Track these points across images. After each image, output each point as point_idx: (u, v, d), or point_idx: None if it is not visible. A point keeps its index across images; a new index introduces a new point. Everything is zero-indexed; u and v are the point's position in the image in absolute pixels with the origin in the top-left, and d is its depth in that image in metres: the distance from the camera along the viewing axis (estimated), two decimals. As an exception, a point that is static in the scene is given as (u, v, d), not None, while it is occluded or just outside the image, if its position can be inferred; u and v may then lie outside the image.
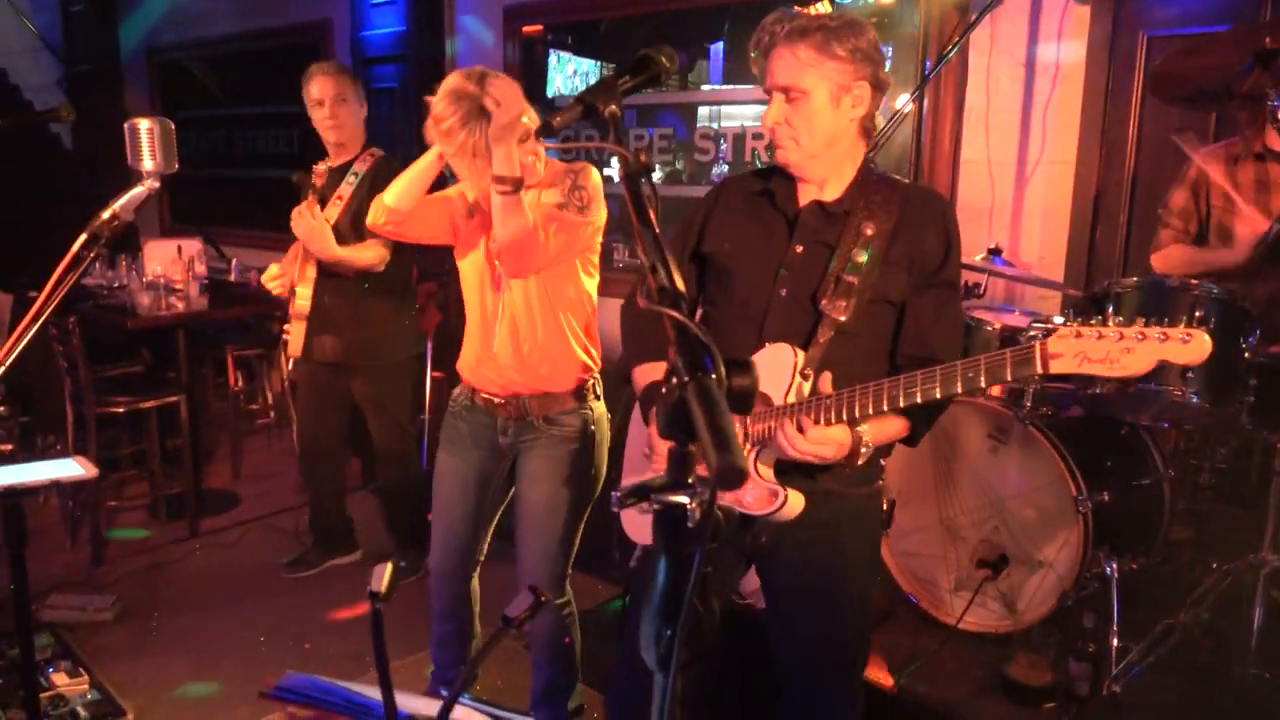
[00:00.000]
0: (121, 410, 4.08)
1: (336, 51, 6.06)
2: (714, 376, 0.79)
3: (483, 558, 2.52)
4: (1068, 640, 2.45)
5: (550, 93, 5.44)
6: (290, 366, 3.59)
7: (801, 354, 1.64)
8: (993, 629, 2.67)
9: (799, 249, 1.71)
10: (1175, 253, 2.98)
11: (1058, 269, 3.74)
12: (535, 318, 2.24)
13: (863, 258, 1.65)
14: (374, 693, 0.87)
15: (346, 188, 3.28)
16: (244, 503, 4.51)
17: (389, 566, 0.84)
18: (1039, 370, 1.42)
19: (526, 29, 5.37)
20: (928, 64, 3.75)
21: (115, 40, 7.39)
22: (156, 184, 1.88)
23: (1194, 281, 2.52)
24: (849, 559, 1.78)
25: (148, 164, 1.87)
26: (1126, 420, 2.75)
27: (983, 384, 1.47)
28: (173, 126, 1.91)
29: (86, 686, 2.81)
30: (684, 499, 0.81)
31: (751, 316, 1.73)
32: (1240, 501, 2.82)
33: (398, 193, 2.26)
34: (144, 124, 1.85)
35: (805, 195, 1.75)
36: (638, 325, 1.94)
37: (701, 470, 0.81)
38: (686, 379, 0.79)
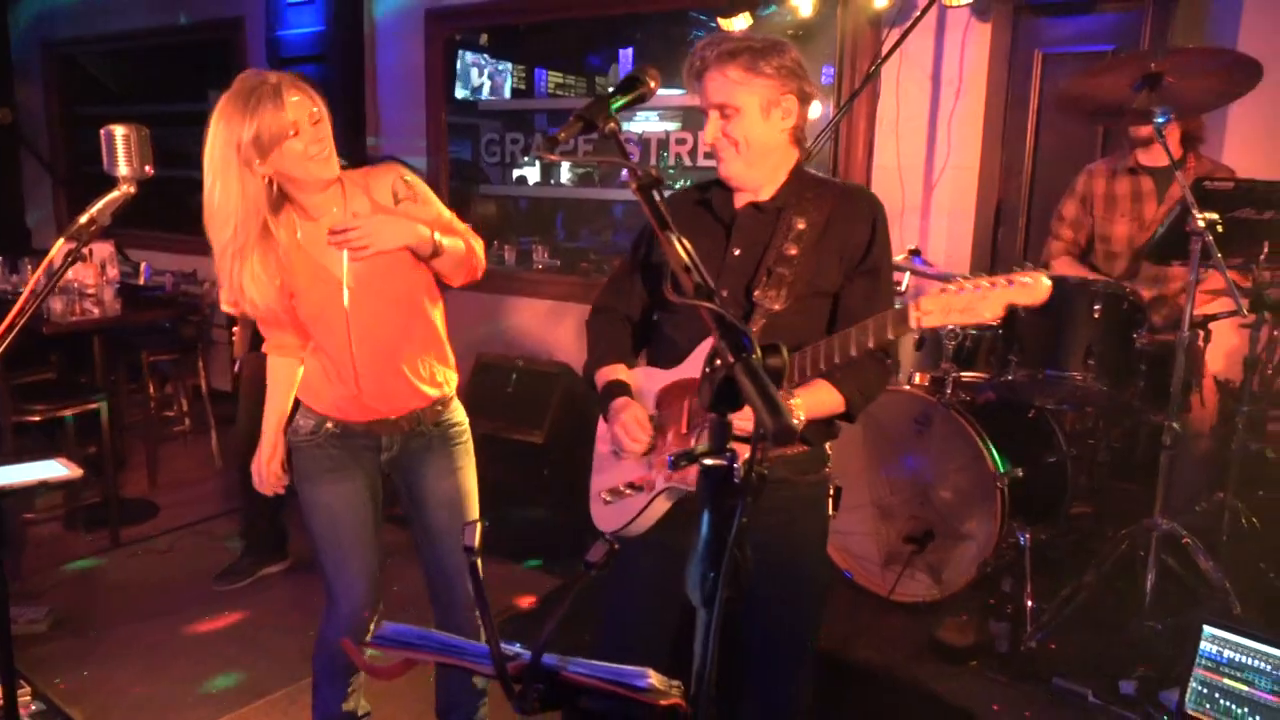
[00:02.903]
0: (39, 418, 3.97)
1: (250, 51, 5.97)
2: (755, 356, 0.93)
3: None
4: (989, 604, 2.69)
5: (464, 94, 5.50)
6: (236, 367, 3.54)
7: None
8: (922, 598, 2.90)
9: (736, 251, 1.84)
10: (1064, 266, 3.29)
11: (964, 266, 4.02)
12: (401, 334, 2.16)
13: (793, 250, 1.78)
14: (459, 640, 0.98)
15: None
16: (164, 511, 4.42)
17: (478, 526, 0.95)
18: (914, 325, 1.60)
19: (448, 31, 5.41)
20: (831, 71, 4.01)
21: (4, 32, 7.07)
22: (133, 189, 1.89)
23: (1092, 277, 2.81)
24: (802, 543, 1.91)
25: (123, 169, 1.88)
26: (1035, 404, 3.03)
27: (871, 343, 1.63)
28: (147, 132, 1.92)
29: (30, 698, 2.76)
30: (728, 460, 0.95)
31: (698, 317, 1.82)
32: (1133, 476, 3.12)
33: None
34: (119, 130, 1.87)
35: (740, 201, 1.88)
36: (601, 333, 2.04)
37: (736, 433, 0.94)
38: (732, 359, 0.93)
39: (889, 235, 1.88)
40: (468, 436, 2.33)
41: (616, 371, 1.95)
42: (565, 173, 5.90)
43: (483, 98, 5.61)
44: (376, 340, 2.12)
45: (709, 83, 1.80)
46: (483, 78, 5.61)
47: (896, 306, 1.70)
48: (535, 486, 4.14)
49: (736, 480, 0.95)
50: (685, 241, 1.12)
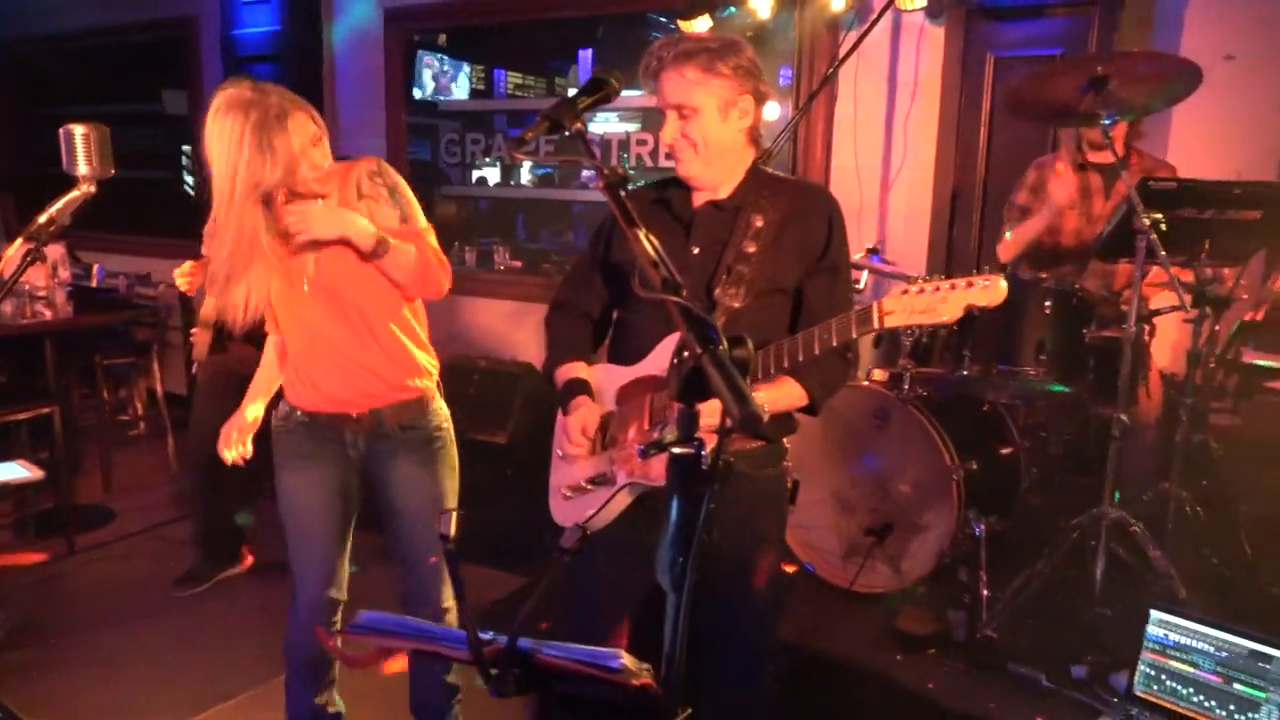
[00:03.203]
0: (-10, 423, 3.89)
1: (205, 50, 5.89)
2: (721, 348, 0.97)
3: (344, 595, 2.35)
4: (946, 593, 2.76)
5: (421, 94, 5.49)
6: (195, 369, 3.50)
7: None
8: (881, 589, 2.96)
9: (696, 250, 1.87)
10: (1011, 235, 3.36)
11: (920, 265, 4.11)
12: (366, 323, 2.17)
13: (752, 248, 1.82)
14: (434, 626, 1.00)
15: None
16: (120, 517, 4.35)
17: (454, 515, 0.97)
18: (877, 325, 1.65)
19: (407, 31, 5.39)
20: (789, 73, 4.07)
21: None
22: (93, 188, 1.89)
23: (1044, 275, 2.89)
24: (761, 535, 1.95)
25: (82, 168, 1.88)
26: (989, 399, 3.11)
27: (835, 341, 1.67)
28: (108, 131, 1.92)
29: (-13, 707, 2.71)
30: (695, 449, 0.98)
31: (660, 315, 1.83)
32: (1083, 468, 3.22)
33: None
34: (78, 130, 1.86)
35: (699, 199, 1.91)
36: (561, 330, 2.06)
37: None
38: (700, 351, 0.96)
39: (845, 232, 1.92)
40: (443, 444, 2.30)
41: (577, 369, 1.96)
42: (526, 174, 5.91)
43: (442, 98, 5.60)
44: (333, 334, 2.14)
45: (666, 83, 1.82)
46: (436, 78, 5.60)
47: (855, 304, 1.75)
48: (499, 487, 4.15)
49: (704, 468, 0.98)
50: (653, 238, 1.15)
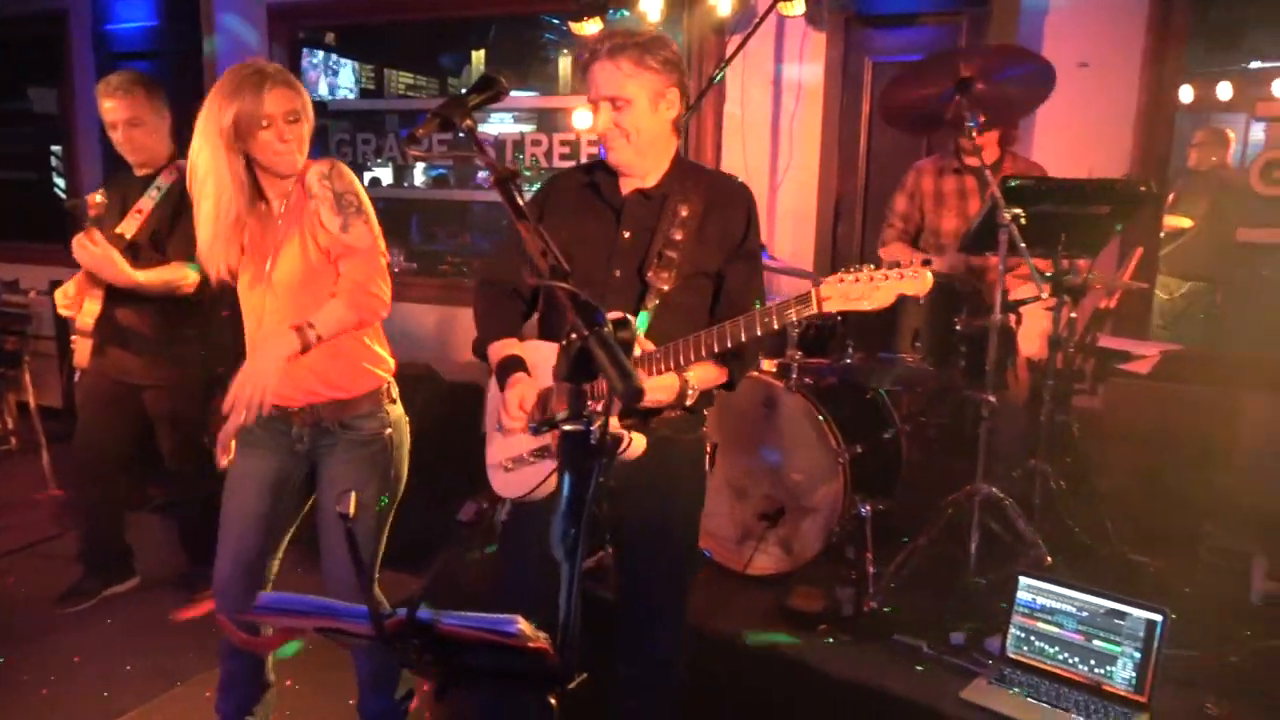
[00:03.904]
0: None
1: (76, 46, 5.64)
2: (607, 329, 1.03)
3: (273, 577, 2.38)
4: (835, 571, 2.89)
5: (316, 94, 5.40)
6: (77, 377, 3.36)
7: (632, 319, 1.91)
8: (775, 570, 3.08)
9: (626, 235, 1.99)
10: (897, 249, 3.57)
11: (807, 262, 4.28)
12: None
13: (679, 235, 1.95)
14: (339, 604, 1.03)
15: (148, 201, 3.10)
16: (-5, 535, 4.14)
17: (353, 495, 1.00)
18: (816, 309, 1.77)
19: (293, 28, 5.28)
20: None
21: None
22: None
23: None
24: (683, 494, 2.09)
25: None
26: (871, 386, 3.28)
27: (775, 325, 1.79)
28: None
29: None
30: (584, 425, 1.04)
31: (594, 295, 1.93)
32: (959, 449, 3.41)
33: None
34: None
35: (627, 186, 2.02)
36: (490, 307, 2.12)
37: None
38: (586, 333, 1.02)
39: (758, 219, 2.08)
40: (381, 449, 2.29)
41: (511, 346, 2.04)
42: (419, 174, 5.86)
43: (331, 97, 5.51)
44: (280, 328, 2.14)
45: (600, 74, 1.91)
46: (324, 77, 5.51)
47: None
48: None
49: (593, 443, 1.04)
50: (540, 228, 1.21)
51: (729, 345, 1.81)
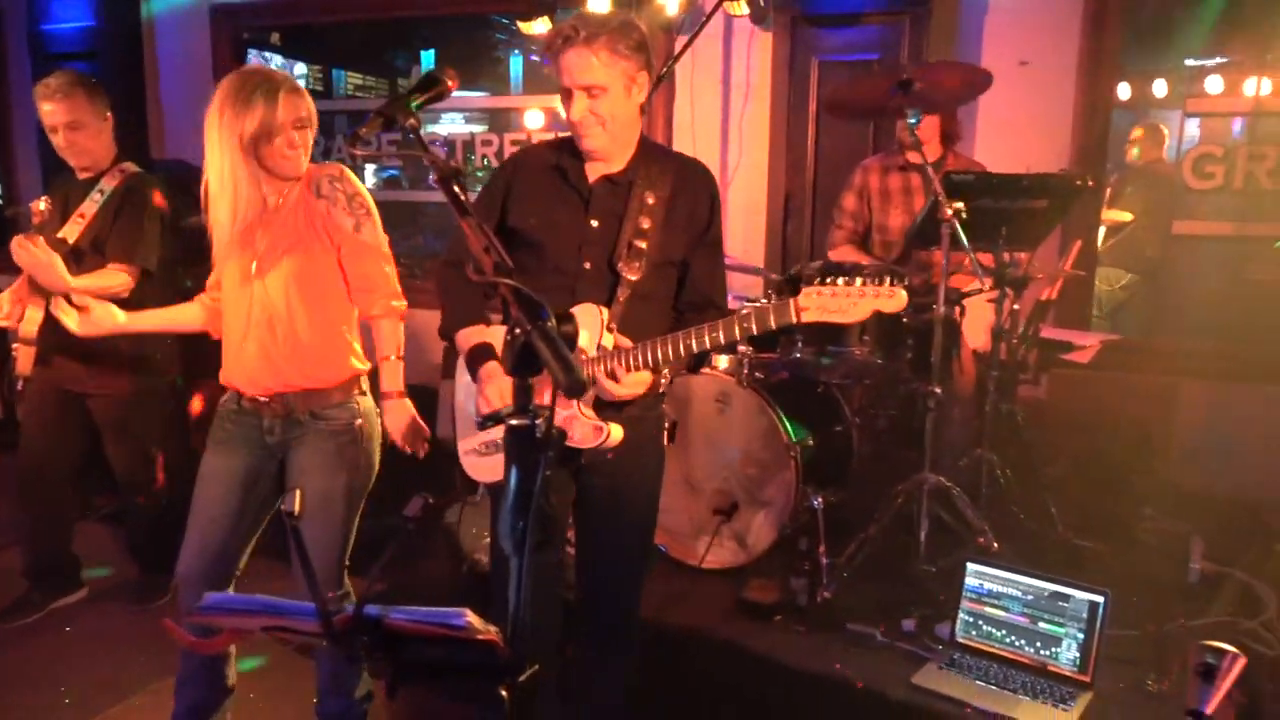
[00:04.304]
0: None
1: (11, 46, 5.51)
2: (550, 324, 1.05)
3: (239, 572, 2.41)
4: (789, 562, 2.93)
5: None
6: (20, 386, 3.28)
7: (606, 311, 1.95)
8: (729, 564, 3.11)
9: (595, 223, 2.00)
10: (847, 252, 3.63)
11: (758, 257, 4.33)
12: (296, 315, 2.26)
13: (647, 224, 1.97)
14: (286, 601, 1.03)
15: (91, 205, 3.04)
16: (-63, 548, 4.02)
17: (297, 493, 1.00)
18: (794, 319, 1.82)
19: (237, 28, 5.21)
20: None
21: None
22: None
23: (864, 263, 3.12)
24: (647, 465, 2.15)
25: None
26: (821, 380, 3.32)
27: (755, 330, 1.85)
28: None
29: None
30: (530, 419, 1.06)
31: (565, 285, 2.01)
32: (908, 441, 3.48)
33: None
34: None
35: (593, 172, 2.03)
36: (457, 291, 2.13)
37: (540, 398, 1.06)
38: (530, 327, 1.04)
39: (720, 205, 2.13)
40: (352, 441, 2.34)
41: (481, 334, 2.06)
42: (370, 175, 5.81)
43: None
44: (263, 317, 2.25)
45: (575, 64, 1.91)
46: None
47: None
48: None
49: (539, 437, 1.06)
50: (485, 225, 1.22)
51: (708, 344, 1.86)
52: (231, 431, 2.34)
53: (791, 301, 1.82)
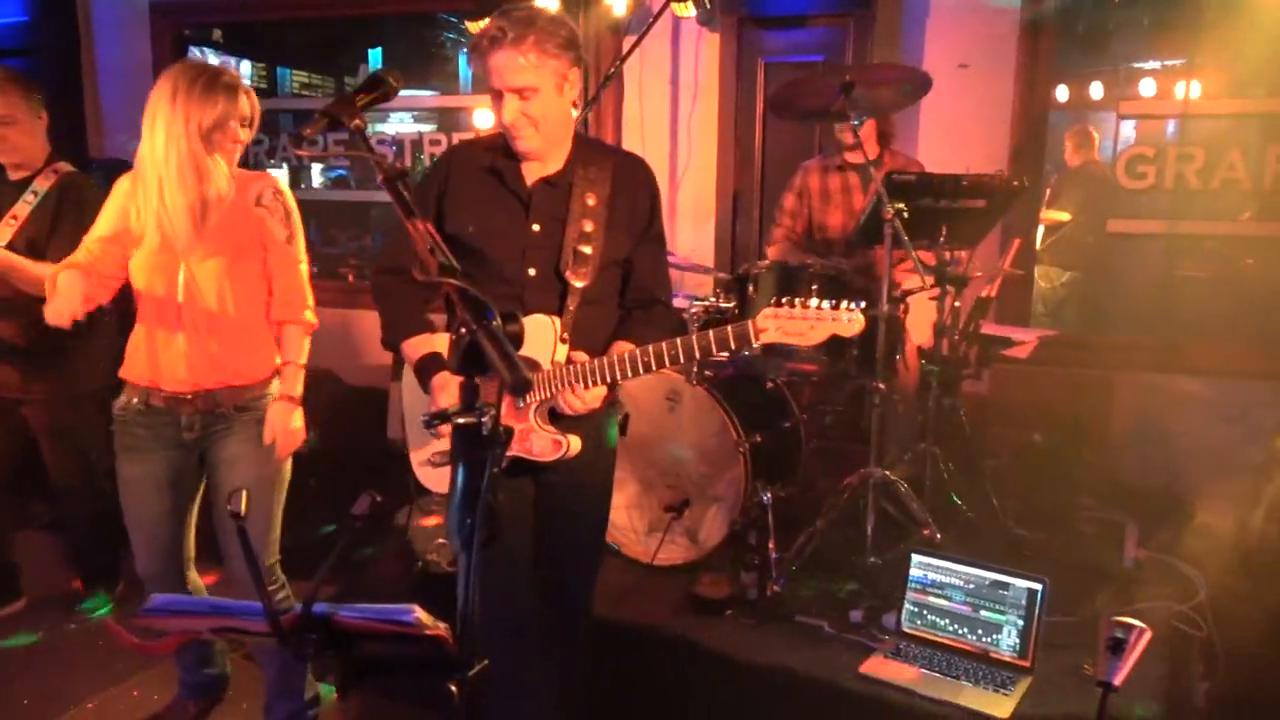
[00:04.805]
0: None
1: (-61, 41, 5.33)
2: (495, 323, 1.06)
3: (192, 554, 2.52)
4: (739, 557, 2.97)
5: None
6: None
7: (558, 321, 1.96)
8: (681, 560, 3.15)
9: (536, 228, 2.00)
10: (785, 249, 3.72)
11: (708, 256, 4.37)
12: (231, 312, 2.32)
13: (590, 227, 1.97)
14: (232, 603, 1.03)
15: (24, 207, 2.96)
16: None
17: (244, 493, 1.00)
18: (753, 340, 1.85)
19: (177, 25, 5.11)
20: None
21: None
22: None
23: (809, 262, 3.18)
24: (598, 453, 2.16)
25: None
26: (769, 377, 3.37)
27: (714, 351, 1.89)
28: None
29: None
30: (477, 417, 1.07)
31: (512, 294, 1.99)
32: (855, 436, 3.54)
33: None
34: None
35: (530, 173, 2.02)
36: (398, 299, 2.12)
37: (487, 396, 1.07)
38: (475, 327, 1.05)
39: (660, 199, 2.14)
40: None
41: (429, 343, 2.06)
42: (317, 175, 5.74)
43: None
44: (190, 309, 2.29)
45: (504, 66, 1.89)
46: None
47: None
48: (303, 498, 4.03)
49: (485, 435, 1.07)
50: (430, 226, 1.23)
51: (666, 364, 1.89)
52: (142, 436, 2.37)
53: (750, 323, 1.86)
